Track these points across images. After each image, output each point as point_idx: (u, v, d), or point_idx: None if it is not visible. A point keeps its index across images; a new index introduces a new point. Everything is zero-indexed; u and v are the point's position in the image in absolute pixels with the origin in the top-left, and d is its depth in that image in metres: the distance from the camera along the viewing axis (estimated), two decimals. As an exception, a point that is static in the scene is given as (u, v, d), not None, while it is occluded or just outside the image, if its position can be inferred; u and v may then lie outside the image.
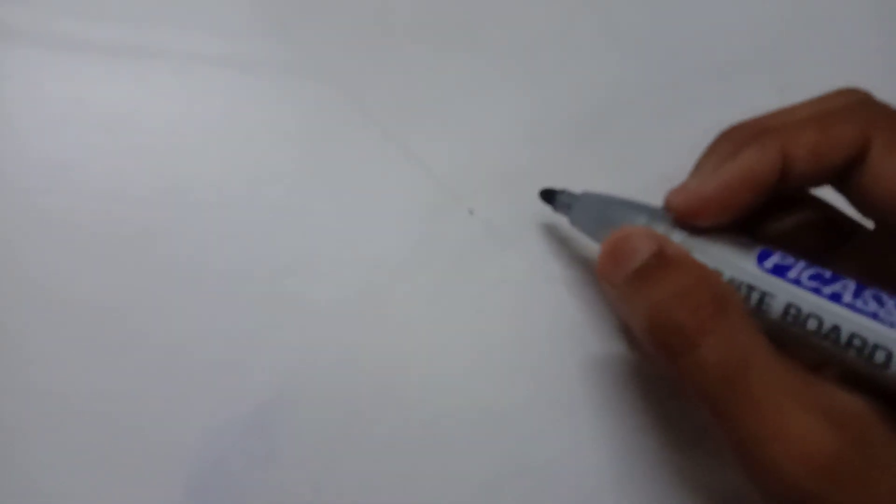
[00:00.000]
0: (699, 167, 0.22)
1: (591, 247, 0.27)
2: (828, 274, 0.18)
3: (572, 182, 0.26)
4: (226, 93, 0.28)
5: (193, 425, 0.24)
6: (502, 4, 0.30)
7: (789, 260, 0.19)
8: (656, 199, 0.22)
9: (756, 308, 0.19)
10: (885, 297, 0.18)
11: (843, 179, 0.20)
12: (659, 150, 0.26)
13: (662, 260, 0.20)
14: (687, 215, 0.20)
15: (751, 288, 0.19)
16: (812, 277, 0.19)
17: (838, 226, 0.22)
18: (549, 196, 0.25)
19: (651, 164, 0.28)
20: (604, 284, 0.21)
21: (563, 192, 0.25)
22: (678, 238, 0.21)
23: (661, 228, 0.21)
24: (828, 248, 0.22)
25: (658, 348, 0.19)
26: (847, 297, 0.18)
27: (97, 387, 0.24)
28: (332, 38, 0.29)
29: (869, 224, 0.22)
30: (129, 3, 0.29)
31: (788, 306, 0.18)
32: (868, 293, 0.18)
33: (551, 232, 0.27)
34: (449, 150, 0.28)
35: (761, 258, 0.19)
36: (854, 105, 0.20)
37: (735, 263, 0.19)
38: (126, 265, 0.26)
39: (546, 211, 0.26)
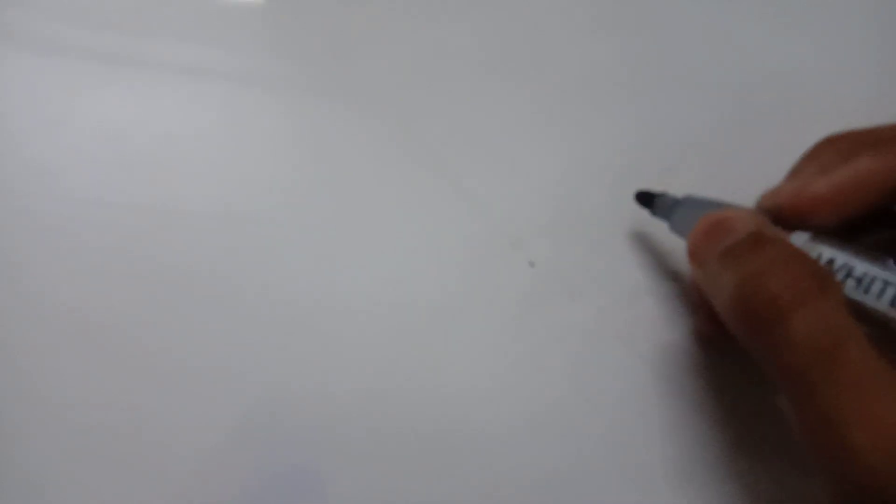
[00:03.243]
0: (798, 171, 0.22)
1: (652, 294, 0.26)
2: None
3: (638, 224, 0.25)
4: (247, 110, 0.28)
5: (243, 469, 0.23)
6: (564, 43, 0.30)
7: None
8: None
9: (891, 305, 0.18)
10: None
11: None
12: (725, 193, 0.26)
13: (759, 238, 0.19)
14: (793, 213, 0.20)
15: (886, 283, 0.19)
16: None
17: None
18: (646, 199, 0.25)
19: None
20: (693, 265, 0.21)
21: (662, 195, 0.24)
22: (799, 239, 0.20)
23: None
24: None
25: (746, 320, 0.18)
26: None
27: (97, 398, 0.23)
28: (389, 72, 0.29)
29: None
30: (132, 12, 0.28)
31: None
32: None
33: (612, 279, 0.26)
34: (507, 192, 0.27)
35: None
36: None
37: (865, 262, 0.19)
38: (151, 282, 0.24)
39: (605, 254, 0.25)
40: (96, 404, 0.23)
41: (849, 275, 0.19)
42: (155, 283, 0.24)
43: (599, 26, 0.31)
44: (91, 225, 0.25)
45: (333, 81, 0.28)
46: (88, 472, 0.22)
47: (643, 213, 0.25)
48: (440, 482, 0.23)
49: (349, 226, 0.26)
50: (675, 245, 0.25)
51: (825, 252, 0.20)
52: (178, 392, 0.23)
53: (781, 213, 0.21)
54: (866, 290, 0.19)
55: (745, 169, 0.25)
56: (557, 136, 0.28)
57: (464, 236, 0.26)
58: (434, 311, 0.25)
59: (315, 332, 0.24)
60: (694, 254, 0.21)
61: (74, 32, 0.28)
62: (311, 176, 0.27)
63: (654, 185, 0.25)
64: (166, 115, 0.27)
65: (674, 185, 0.25)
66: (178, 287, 0.24)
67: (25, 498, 0.22)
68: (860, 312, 0.19)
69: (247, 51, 0.28)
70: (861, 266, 0.19)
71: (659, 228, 0.25)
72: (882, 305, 0.19)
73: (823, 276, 0.18)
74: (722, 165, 0.28)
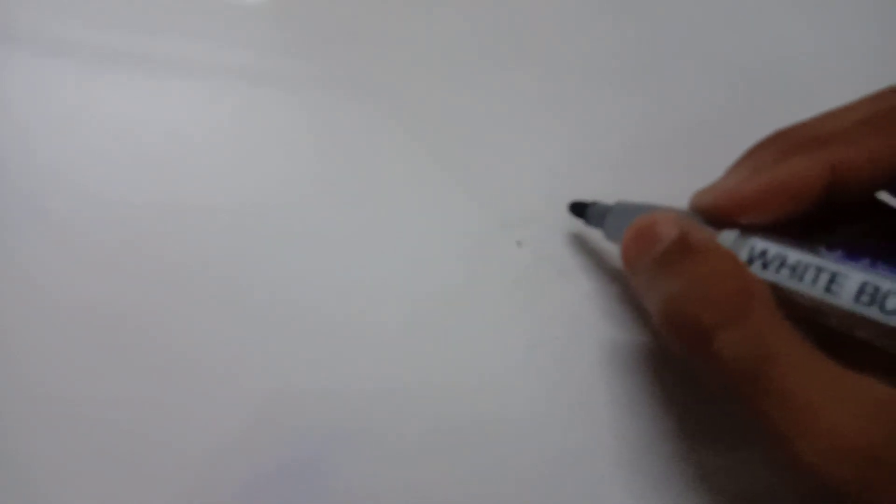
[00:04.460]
0: (735, 169, 0.21)
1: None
2: None
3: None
4: (255, 107, 0.28)
5: (248, 466, 0.23)
6: (555, 24, 0.30)
7: (859, 252, 0.18)
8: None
9: (825, 291, 0.17)
10: None
11: None
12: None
13: (684, 246, 0.19)
14: (717, 212, 0.20)
15: (819, 270, 0.18)
16: (887, 263, 0.17)
17: None
18: (579, 209, 0.25)
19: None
20: (628, 272, 0.21)
21: (594, 203, 0.24)
22: (730, 236, 0.20)
23: (706, 231, 0.20)
24: None
25: (674, 341, 0.18)
26: None
27: (102, 395, 0.23)
28: (376, 56, 0.29)
29: None
30: (142, 10, 0.29)
31: (864, 285, 0.17)
32: None
33: (603, 264, 0.26)
34: (498, 176, 0.27)
35: (830, 247, 0.18)
36: None
37: (798, 251, 0.18)
38: (144, 277, 0.25)
39: (597, 241, 0.25)
40: (107, 402, 0.23)
41: (783, 264, 0.18)
42: (166, 281, 0.25)
43: (596, 13, 0.31)
44: (102, 223, 0.25)
45: (337, 76, 0.29)
46: (93, 470, 0.22)
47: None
48: (446, 470, 0.23)
49: (352, 220, 0.26)
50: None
51: (757, 244, 0.19)
52: (187, 389, 0.23)
53: (709, 214, 0.20)
54: (800, 278, 0.18)
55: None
56: (556, 122, 0.28)
57: (462, 224, 0.26)
58: (435, 300, 0.25)
59: (320, 327, 0.25)
60: (628, 264, 0.21)
61: (83, 32, 0.29)
62: (314, 172, 0.27)
63: (650, 174, 0.25)
64: (176, 113, 0.28)
65: (669, 172, 0.24)
66: (187, 284, 0.25)
67: (29, 498, 0.22)
68: (805, 308, 0.18)
69: (255, 47, 0.29)
70: (794, 255, 0.18)
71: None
72: (817, 292, 0.18)
73: (747, 290, 0.18)
74: (720, 154, 0.26)
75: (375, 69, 0.29)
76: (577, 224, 0.25)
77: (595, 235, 0.25)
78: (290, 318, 0.25)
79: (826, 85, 0.28)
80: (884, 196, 0.21)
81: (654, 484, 0.23)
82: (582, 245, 0.26)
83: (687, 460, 0.23)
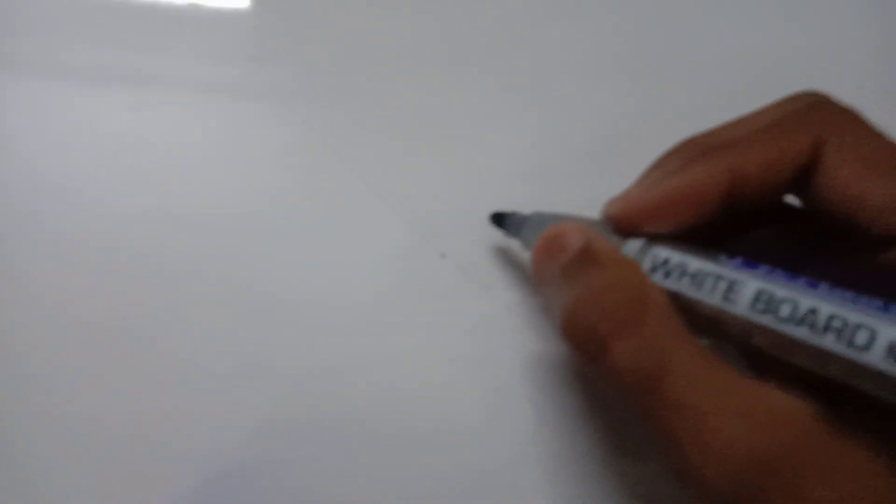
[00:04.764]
0: (643, 177, 0.21)
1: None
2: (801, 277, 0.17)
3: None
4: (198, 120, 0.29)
5: (194, 442, 0.23)
6: (493, 34, 0.30)
7: (760, 259, 0.18)
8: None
9: (723, 299, 0.17)
10: (862, 296, 0.16)
11: (799, 187, 0.20)
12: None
13: (587, 256, 0.19)
14: (622, 222, 0.20)
15: (718, 278, 0.18)
16: (784, 271, 0.17)
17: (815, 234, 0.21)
18: (499, 220, 0.25)
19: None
20: (537, 282, 0.21)
21: (512, 214, 0.24)
22: (635, 245, 0.20)
23: (614, 240, 0.20)
24: (809, 256, 0.21)
25: (573, 350, 0.18)
26: (823, 287, 0.16)
27: (104, 401, 0.24)
28: (313, 66, 0.29)
29: None
30: (128, 30, 0.30)
31: (760, 293, 0.17)
32: (845, 291, 0.16)
33: (526, 275, 0.26)
34: (421, 187, 0.27)
35: (731, 255, 0.18)
36: (805, 110, 0.20)
37: (699, 259, 0.18)
38: (127, 284, 0.25)
39: (520, 253, 0.25)
40: (106, 404, 0.23)
41: (684, 273, 0.18)
42: (158, 286, 0.25)
43: (536, 20, 0.31)
44: (100, 233, 0.26)
45: (297, 86, 0.29)
46: (93, 472, 0.23)
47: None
48: (364, 484, 0.23)
49: (272, 234, 0.27)
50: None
51: (661, 253, 0.19)
52: (183, 391, 0.24)
53: (618, 223, 0.20)
54: (700, 286, 0.18)
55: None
56: (483, 132, 0.28)
57: (385, 236, 0.26)
58: (358, 313, 0.25)
59: (246, 343, 0.25)
60: (535, 273, 0.21)
61: (75, 55, 0.30)
62: (239, 177, 0.28)
63: (586, 181, 0.24)
64: (171, 125, 0.28)
65: (605, 184, 0.23)
66: (175, 288, 0.26)
67: (29, 498, 0.22)
68: (707, 317, 0.18)
69: (237, 60, 0.30)
70: (695, 263, 0.18)
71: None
72: (715, 300, 0.18)
73: (643, 299, 0.18)
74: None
75: (293, 82, 0.29)
76: (501, 236, 0.25)
77: (518, 247, 0.25)
78: (217, 327, 0.25)
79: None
80: (792, 199, 0.21)
81: (577, 494, 0.23)
82: (505, 257, 0.26)
83: (610, 470, 0.23)
